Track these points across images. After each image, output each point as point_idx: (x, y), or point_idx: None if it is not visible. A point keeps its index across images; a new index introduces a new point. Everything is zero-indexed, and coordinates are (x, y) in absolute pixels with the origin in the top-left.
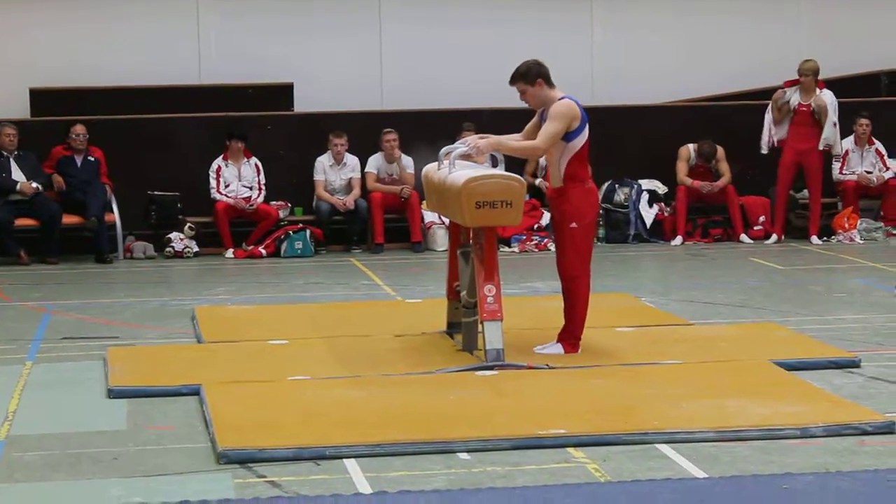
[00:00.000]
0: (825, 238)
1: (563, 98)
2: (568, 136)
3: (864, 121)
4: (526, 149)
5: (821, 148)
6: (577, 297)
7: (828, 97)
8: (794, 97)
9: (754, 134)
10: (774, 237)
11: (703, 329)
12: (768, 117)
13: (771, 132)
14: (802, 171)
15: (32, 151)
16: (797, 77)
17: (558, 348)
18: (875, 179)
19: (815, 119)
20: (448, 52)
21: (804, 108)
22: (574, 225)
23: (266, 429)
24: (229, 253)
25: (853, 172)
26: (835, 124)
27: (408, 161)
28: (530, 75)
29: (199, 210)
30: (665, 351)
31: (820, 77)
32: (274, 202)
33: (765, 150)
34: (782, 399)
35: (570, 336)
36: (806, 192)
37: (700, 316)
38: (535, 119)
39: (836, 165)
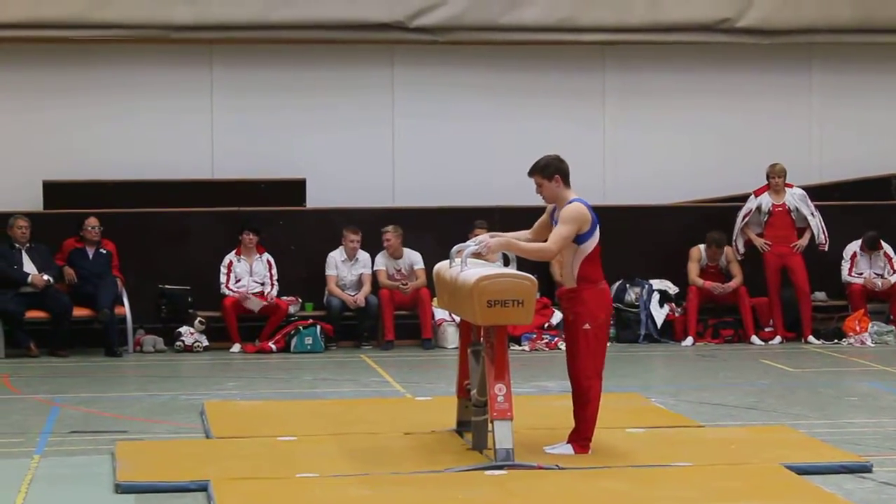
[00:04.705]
0: (836, 341)
1: (573, 201)
2: (579, 238)
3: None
4: (537, 251)
5: (823, 248)
6: (588, 400)
7: (798, 193)
8: (764, 200)
9: None
10: (779, 339)
11: (714, 431)
12: (743, 229)
13: (746, 238)
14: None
15: (45, 244)
16: (766, 182)
17: (569, 449)
18: (881, 284)
19: (791, 219)
20: (461, 149)
21: (780, 209)
22: (587, 326)
23: None
24: (236, 347)
25: (860, 275)
26: (812, 214)
27: (416, 257)
28: (549, 170)
29: (210, 304)
30: (675, 453)
31: (832, 179)
32: (285, 297)
33: (742, 250)
34: None
35: (581, 437)
36: (818, 293)
37: (711, 418)
38: (544, 217)
39: (844, 267)
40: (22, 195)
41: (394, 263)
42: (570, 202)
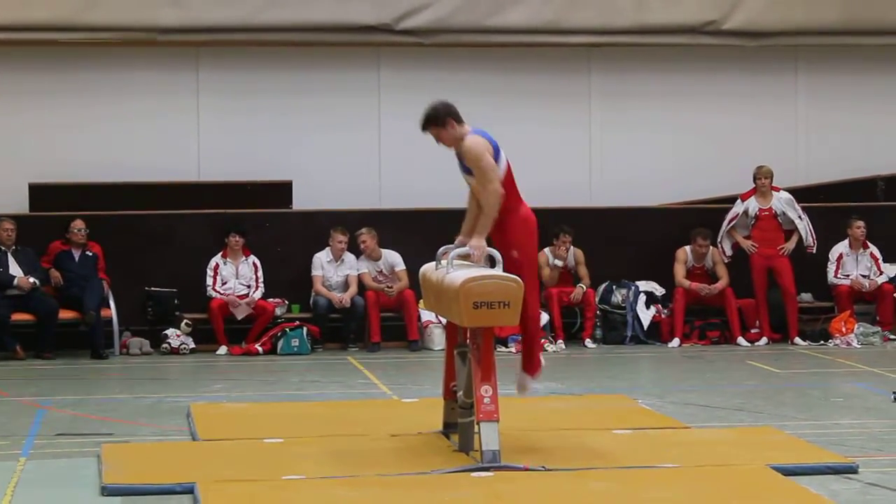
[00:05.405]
0: (822, 342)
1: (468, 135)
2: None
3: (859, 223)
4: (490, 198)
5: (811, 250)
6: (535, 331)
7: (785, 197)
8: (751, 204)
9: None
10: (765, 340)
11: (701, 433)
12: (730, 232)
13: (733, 241)
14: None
15: (31, 246)
16: (752, 186)
17: (529, 380)
18: (868, 285)
19: (777, 222)
20: (447, 151)
21: (766, 213)
22: (515, 253)
23: None
24: (222, 350)
25: (847, 276)
26: (800, 217)
27: (395, 258)
28: (440, 119)
29: (197, 306)
30: (662, 454)
31: (818, 181)
32: (271, 299)
33: (729, 252)
34: None
35: (531, 361)
36: (804, 295)
37: (697, 419)
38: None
39: (830, 268)
40: (8, 197)
41: (374, 265)
42: (465, 138)
